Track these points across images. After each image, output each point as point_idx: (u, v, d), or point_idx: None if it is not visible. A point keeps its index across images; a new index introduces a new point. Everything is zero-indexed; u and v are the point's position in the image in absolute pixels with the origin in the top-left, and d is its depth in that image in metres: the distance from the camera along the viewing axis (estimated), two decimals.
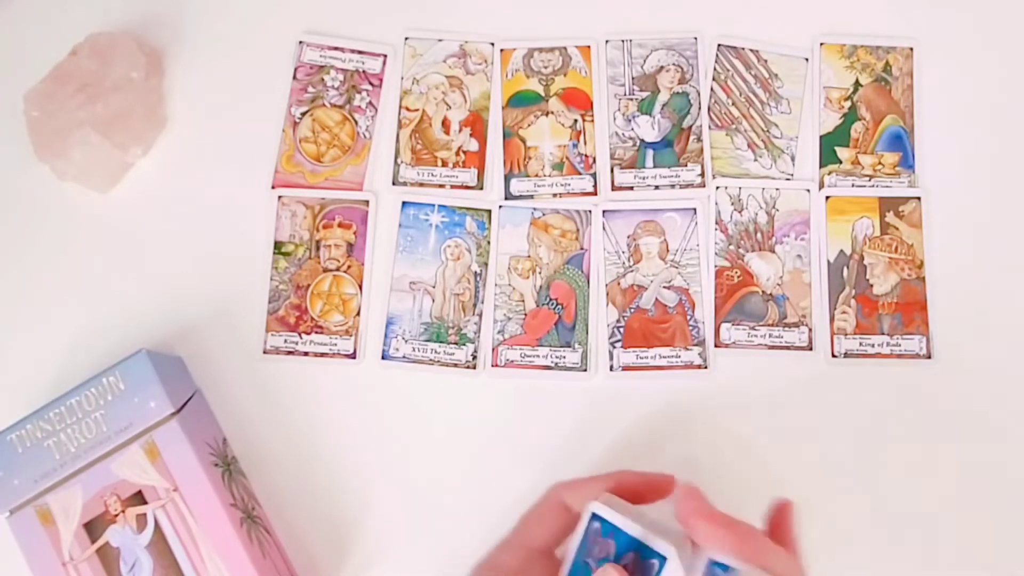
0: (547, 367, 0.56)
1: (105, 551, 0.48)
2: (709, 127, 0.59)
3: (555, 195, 0.58)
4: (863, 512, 0.53)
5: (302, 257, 0.58)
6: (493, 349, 0.56)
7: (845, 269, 0.56)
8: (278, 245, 0.58)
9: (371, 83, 0.60)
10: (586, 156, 0.59)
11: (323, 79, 0.60)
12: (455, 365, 0.56)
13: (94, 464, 0.49)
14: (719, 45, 0.60)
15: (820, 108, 0.59)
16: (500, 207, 0.58)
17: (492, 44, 0.61)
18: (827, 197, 0.57)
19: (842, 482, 0.53)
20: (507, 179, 0.59)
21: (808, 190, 0.58)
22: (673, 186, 0.58)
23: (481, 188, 0.59)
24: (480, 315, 0.57)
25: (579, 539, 0.37)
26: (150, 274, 0.58)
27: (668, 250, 0.57)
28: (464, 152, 0.59)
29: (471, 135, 0.59)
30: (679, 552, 0.34)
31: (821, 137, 0.58)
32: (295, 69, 0.60)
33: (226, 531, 0.48)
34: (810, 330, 0.56)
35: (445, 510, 0.54)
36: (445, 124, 0.60)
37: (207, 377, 0.56)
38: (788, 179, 0.58)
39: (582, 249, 0.57)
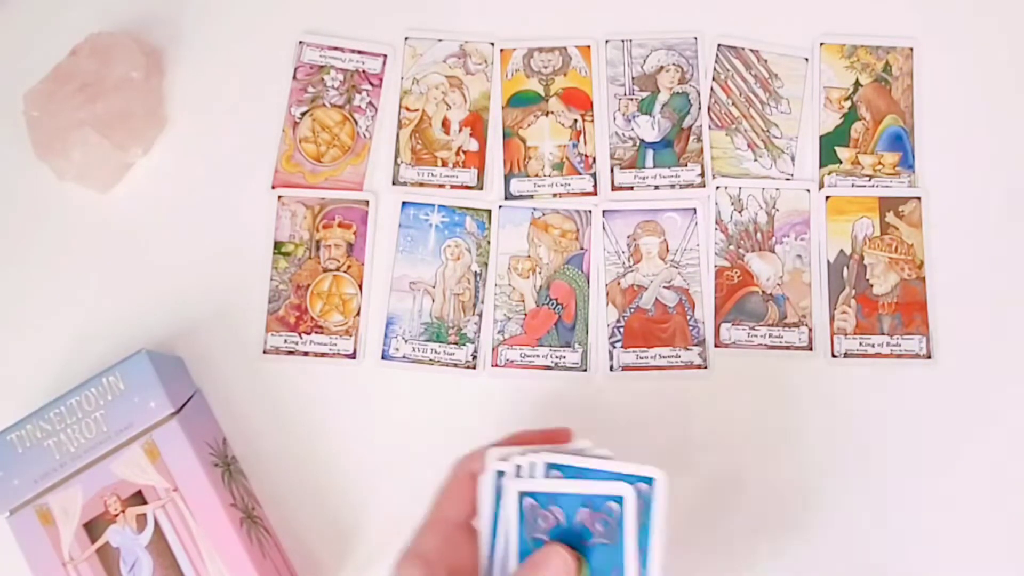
0: (547, 367, 0.56)
1: (105, 551, 0.48)
2: (709, 127, 0.59)
3: (555, 195, 0.58)
4: (863, 512, 0.53)
5: (302, 257, 0.58)
6: (493, 349, 0.56)
7: (845, 269, 0.56)
8: (278, 245, 0.58)
9: (371, 83, 0.60)
10: (586, 156, 0.59)
11: (323, 79, 0.60)
12: (455, 365, 0.56)
13: (94, 464, 0.49)
14: (719, 45, 0.60)
15: (820, 108, 0.59)
16: (500, 207, 0.58)
17: (492, 44, 0.61)
18: (827, 197, 0.57)
19: (842, 482, 0.53)
20: (507, 179, 0.59)
21: (808, 190, 0.57)
22: (673, 186, 0.58)
23: (481, 188, 0.59)
24: (480, 315, 0.57)
25: (516, 522, 0.36)
26: (150, 274, 0.58)
27: (668, 250, 0.57)
28: (464, 152, 0.59)
29: (471, 135, 0.59)
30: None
31: (821, 137, 0.58)
32: (295, 69, 0.60)
33: (226, 531, 0.48)
34: (810, 330, 0.56)
35: None
36: (445, 124, 0.60)
37: (207, 377, 0.56)
38: (788, 179, 0.58)
39: (582, 249, 0.57)
